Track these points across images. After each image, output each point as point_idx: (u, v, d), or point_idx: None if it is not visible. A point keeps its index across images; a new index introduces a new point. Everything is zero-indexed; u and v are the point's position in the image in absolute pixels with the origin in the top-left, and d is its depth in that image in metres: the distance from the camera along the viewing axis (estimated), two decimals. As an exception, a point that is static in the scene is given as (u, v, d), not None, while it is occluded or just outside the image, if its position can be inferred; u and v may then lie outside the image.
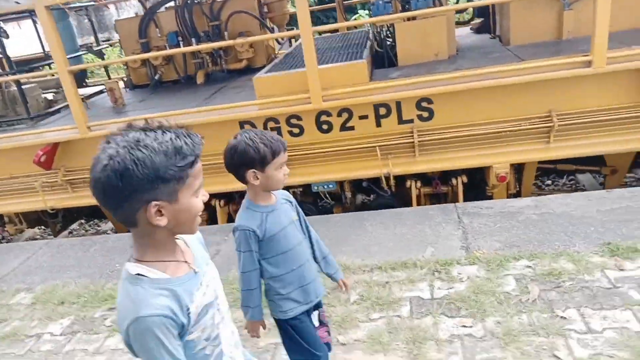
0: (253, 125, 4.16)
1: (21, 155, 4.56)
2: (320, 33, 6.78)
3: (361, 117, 4.02)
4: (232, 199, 4.63)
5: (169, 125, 1.07)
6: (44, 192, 4.67)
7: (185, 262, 1.17)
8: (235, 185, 4.24)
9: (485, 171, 4.04)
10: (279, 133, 4.14)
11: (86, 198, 4.58)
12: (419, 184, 4.22)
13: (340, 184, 4.41)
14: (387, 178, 4.07)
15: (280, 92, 4.14)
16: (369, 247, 3.30)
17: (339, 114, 4.03)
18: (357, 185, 4.56)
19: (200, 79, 5.82)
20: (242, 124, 4.17)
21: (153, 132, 1.02)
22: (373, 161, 4.06)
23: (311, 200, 4.65)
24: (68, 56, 6.93)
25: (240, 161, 1.69)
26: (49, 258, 4.06)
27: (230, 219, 4.65)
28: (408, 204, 4.22)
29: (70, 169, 4.61)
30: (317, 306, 1.99)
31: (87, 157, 4.51)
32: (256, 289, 1.83)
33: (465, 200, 4.09)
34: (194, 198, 1.08)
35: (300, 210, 1.96)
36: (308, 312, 1.94)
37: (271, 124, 4.15)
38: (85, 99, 5.93)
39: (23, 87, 5.36)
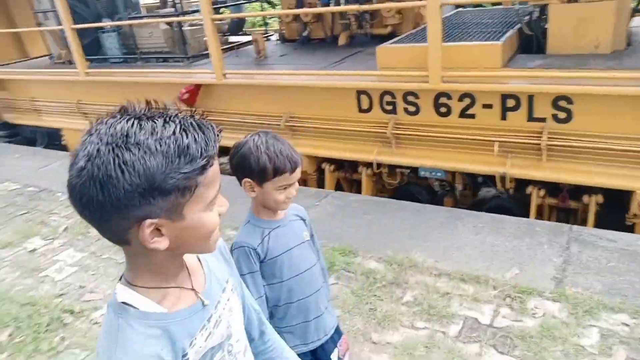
0: (369, 97, 4.02)
1: (171, 89, 5.10)
2: (484, 5, 6.16)
3: (485, 106, 3.60)
4: (343, 167, 4.61)
5: (176, 110, 0.79)
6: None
7: (192, 289, 0.89)
8: (345, 154, 4.26)
9: (627, 195, 3.35)
10: (394, 109, 3.95)
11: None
12: (542, 192, 3.69)
13: (452, 174, 4.08)
14: (503, 178, 3.64)
15: (402, 65, 3.90)
16: (449, 250, 3.02)
17: (460, 99, 3.66)
18: (474, 179, 4.17)
19: (342, 40, 5.78)
20: (359, 93, 4.06)
21: (150, 122, 0.73)
22: (488, 157, 3.65)
23: (425, 185, 4.40)
24: (228, 4, 7.41)
25: (238, 165, 1.46)
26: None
27: (339, 186, 4.66)
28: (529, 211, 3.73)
29: (207, 109, 5.02)
30: (334, 338, 1.68)
31: (221, 102, 4.88)
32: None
33: (598, 225, 3.46)
34: (207, 212, 0.80)
35: (313, 228, 1.67)
36: (316, 352, 1.63)
37: (387, 98, 3.96)
38: (237, 47, 6.34)
39: (188, 29, 5.93)
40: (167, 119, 0.75)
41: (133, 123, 0.73)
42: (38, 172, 5.14)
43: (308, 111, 4.37)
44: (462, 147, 3.77)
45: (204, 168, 0.75)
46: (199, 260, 0.96)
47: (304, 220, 1.64)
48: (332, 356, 1.65)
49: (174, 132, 0.73)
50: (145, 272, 0.83)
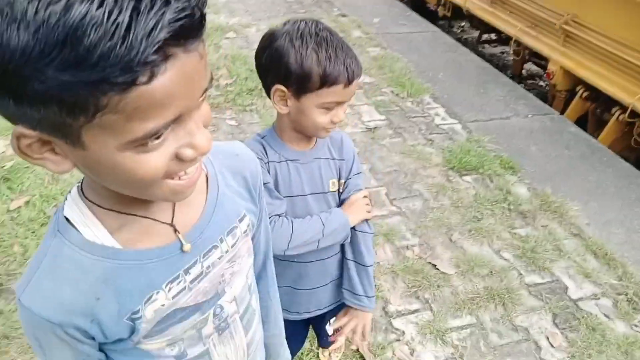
0: None
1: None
2: None
3: None
4: (597, 98, 3.92)
5: None
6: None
7: (170, 225, 0.63)
8: (602, 83, 3.61)
9: None
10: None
11: (501, 19, 4.71)
12: None
13: None
14: None
15: None
16: (614, 224, 2.53)
17: None
18: None
19: None
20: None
21: None
22: None
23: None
24: None
25: (269, 64, 1.01)
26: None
27: (582, 121, 4.03)
28: None
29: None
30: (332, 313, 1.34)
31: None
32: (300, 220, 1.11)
33: None
34: (132, 154, 0.47)
35: (353, 175, 1.19)
36: (307, 320, 1.34)
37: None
38: None
39: None
40: None
41: None
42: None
43: (595, 20, 3.70)
44: None
45: (113, 84, 0.41)
46: (207, 189, 0.67)
47: (342, 160, 1.17)
48: (327, 324, 1.37)
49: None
50: (97, 185, 0.57)
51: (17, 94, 0.42)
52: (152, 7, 0.41)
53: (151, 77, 0.43)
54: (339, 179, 1.17)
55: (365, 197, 1.18)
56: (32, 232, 2.15)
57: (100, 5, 0.39)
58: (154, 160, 0.49)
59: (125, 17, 0.39)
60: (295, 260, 1.17)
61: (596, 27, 3.67)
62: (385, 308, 2.00)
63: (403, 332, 1.92)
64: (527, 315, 2.02)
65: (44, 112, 0.43)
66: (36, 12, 0.39)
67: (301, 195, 1.12)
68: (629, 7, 3.38)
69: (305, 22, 1.01)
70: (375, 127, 3.14)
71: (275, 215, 1.07)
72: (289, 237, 1.07)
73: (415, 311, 2.00)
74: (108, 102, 0.42)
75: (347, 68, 0.98)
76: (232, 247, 0.70)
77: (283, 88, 1.00)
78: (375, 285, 2.08)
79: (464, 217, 2.48)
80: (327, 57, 0.97)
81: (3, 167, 2.47)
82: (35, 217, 2.22)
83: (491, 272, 2.19)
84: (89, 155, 0.48)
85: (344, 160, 1.17)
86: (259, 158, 1.00)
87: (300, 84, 0.98)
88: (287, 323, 1.10)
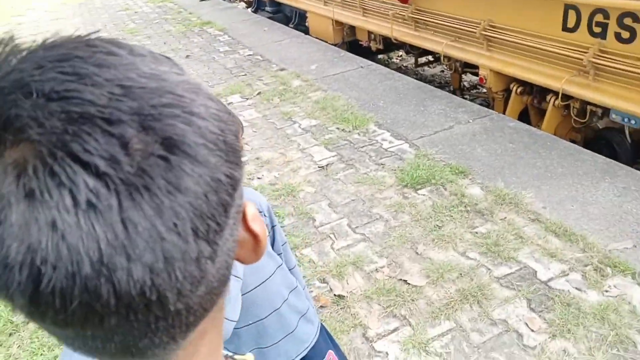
0: (577, 14, 3.41)
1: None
2: None
3: None
4: (531, 91, 4.13)
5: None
6: (393, 22, 5.30)
7: None
8: (532, 76, 3.81)
9: None
10: (603, 32, 3.27)
11: (427, 40, 4.97)
12: None
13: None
14: None
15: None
16: (569, 202, 2.62)
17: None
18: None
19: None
20: (567, 7, 3.47)
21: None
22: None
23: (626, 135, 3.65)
24: None
25: None
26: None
27: (523, 115, 4.21)
28: None
29: (420, 8, 4.99)
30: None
31: (434, 1, 4.76)
32: None
33: None
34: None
35: (276, 225, 1.22)
36: None
37: (599, 17, 3.29)
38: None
39: None
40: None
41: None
42: (271, 44, 6.06)
43: (509, 21, 3.96)
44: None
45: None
46: None
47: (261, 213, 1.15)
48: None
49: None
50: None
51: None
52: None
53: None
54: (270, 227, 1.18)
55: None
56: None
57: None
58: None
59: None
60: (251, 322, 1.08)
61: (512, 27, 3.92)
62: (365, 334, 2.00)
63: (386, 353, 1.91)
64: (503, 307, 2.04)
65: None
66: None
67: None
68: (537, 1, 3.64)
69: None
70: (327, 165, 3.22)
71: None
72: None
73: (395, 330, 2.01)
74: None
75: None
76: None
77: None
78: (352, 314, 2.09)
79: (426, 228, 2.53)
80: None
81: None
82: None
83: (460, 274, 2.23)
84: None
85: (262, 212, 1.14)
86: None
87: None
88: None
